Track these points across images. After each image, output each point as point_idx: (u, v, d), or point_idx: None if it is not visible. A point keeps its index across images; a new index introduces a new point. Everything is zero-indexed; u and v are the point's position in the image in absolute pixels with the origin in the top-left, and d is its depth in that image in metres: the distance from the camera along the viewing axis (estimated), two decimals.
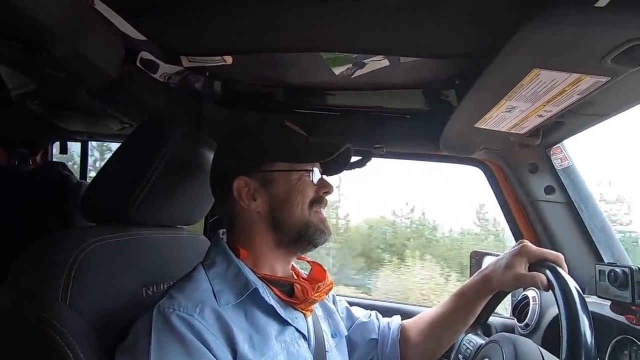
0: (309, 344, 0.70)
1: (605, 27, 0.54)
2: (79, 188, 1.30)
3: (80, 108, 1.27)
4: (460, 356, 0.84)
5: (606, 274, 0.82)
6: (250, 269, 0.68)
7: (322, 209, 0.74)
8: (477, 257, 1.28)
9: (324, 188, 0.74)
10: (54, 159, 1.78)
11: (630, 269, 0.78)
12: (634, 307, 0.79)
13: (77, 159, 1.85)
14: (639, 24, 0.52)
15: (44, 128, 1.49)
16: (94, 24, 0.77)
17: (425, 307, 1.21)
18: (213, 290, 0.63)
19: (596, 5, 0.56)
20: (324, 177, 0.76)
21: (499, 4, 0.65)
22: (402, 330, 0.85)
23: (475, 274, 0.78)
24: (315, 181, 0.73)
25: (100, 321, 0.62)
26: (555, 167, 1.14)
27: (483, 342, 0.80)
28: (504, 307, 1.22)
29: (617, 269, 0.80)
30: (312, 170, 0.72)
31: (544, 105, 0.77)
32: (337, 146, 0.72)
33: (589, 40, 0.56)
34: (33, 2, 0.63)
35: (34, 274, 0.61)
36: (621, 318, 0.83)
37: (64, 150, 1.74)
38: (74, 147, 1.82)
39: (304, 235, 0.71)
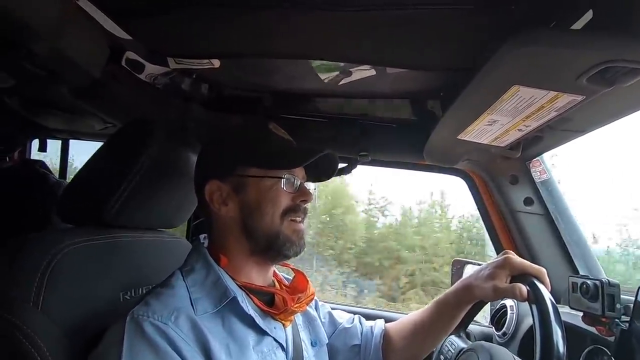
0: (286, 354, 0.69)
1: (581, 49, 0.55)
2: (57, 187, 1.27)
3: (61, 106, 1.24)
4: (441, 357, 0.84)
5: (579, 286, 0.84)
6: (230, 277, 0.67)
7: (299, 218, 0.70)
8: (458, 266, 1.30)
9: (302, 196, 0.70)
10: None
11: (601, 281, 0.80)
12: (604, 319, 0.81)
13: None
14: (612, 46, 0.54)
15: (23, 125, 1.45)
16: (77, 22, 0.76)
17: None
18: (190, 298, 0.61)
19: (573, 27, 0.58)
20: (309, 184, 0.74)
21: (482, 22, 0.67)
22: (385, 335, 0.84)
23: (458, 282, 0.78)
24: (288, 189, 0.69)
25: (75, 327, 0.60)
26: (535, 179, 1.17)
27: (464, 345, 0.81)
28: (483, 316, 1.24)
29: (589, 282, 0.82)
30: (284, 178, 0.68)
31: (524, 120, 0.79)
32: (312, 152, 0.68)
33: (566, 61, 0.58)
34: None
35: (4, 277, 0.59)
36: (592, 329, 0.85)
37: (43, 147, 1.70)
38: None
39: (272, 246, 0.68)
